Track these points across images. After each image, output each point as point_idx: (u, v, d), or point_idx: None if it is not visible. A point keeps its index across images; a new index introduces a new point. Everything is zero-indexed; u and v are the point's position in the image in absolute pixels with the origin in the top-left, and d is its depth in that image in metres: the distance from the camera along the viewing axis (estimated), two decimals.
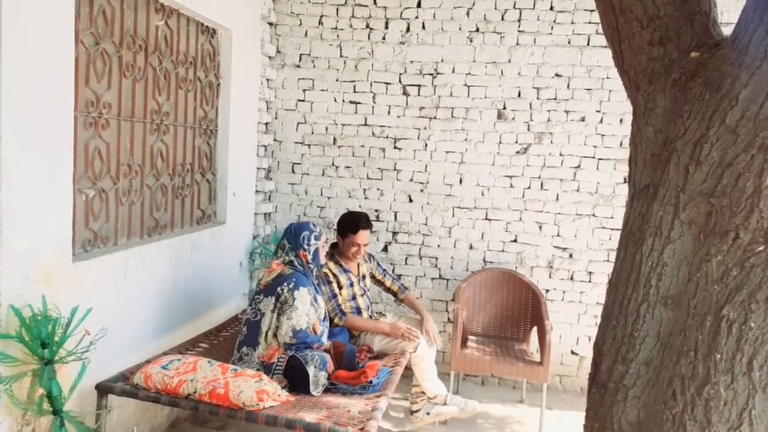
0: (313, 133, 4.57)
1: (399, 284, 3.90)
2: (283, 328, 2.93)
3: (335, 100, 4.52)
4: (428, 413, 3.57)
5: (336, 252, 3.68)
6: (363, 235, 3.58)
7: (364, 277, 3.75)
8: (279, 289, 2.98)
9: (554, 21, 4.20)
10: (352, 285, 3.63)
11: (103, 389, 2.67)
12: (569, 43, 4.20)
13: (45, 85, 2.33)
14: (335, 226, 4.44)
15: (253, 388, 2.58)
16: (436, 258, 4.49)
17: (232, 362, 2.95)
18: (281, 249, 3.17)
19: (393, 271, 4.51)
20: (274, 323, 2.96)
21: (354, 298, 3.63)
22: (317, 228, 3.21)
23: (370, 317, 3.71)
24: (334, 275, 3.56)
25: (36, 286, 2.35)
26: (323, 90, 4.52)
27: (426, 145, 4.43)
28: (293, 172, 4.63)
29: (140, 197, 3.18)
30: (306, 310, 2.98)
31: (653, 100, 1.65)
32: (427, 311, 3.76)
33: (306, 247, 3.13)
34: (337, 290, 3.54)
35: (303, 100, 4.56)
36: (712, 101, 1.48)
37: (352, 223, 3.59)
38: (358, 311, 3.61)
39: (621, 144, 4.19)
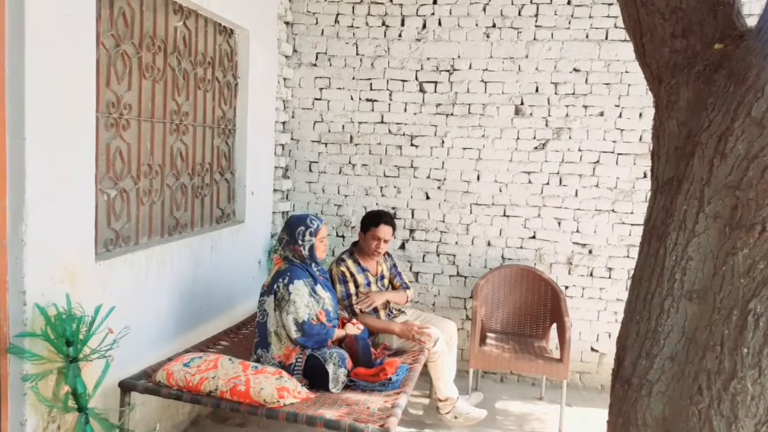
0: (329, 131, 4.58)
1: (404, 286, 3.84)
2: (287, 324, 2.92)
3: (352, 98, 4.52)
4: (456, 417, 3.57)
5: (356, 250, 3.69)
6: (384, 230, 3.58)
7: (382, 276, 3.75)
8: (275, 286, 2.98)
9: (572, 15, 4.16)
10: (369, 284, 3.63)
11: (126, 387, 2.71)
12: (587, 37, 4.16)
13: (67, 86, 2.36)
14: (352, 225, 4.49)
15: (274, 385, 2.60)
16: (454, 255, 4.48)
17: None
18: (279, 243, 3.14)
19: (410, 269, 4.51)
20: (279, 321, 2.97)
21: None
22: (315, 223, 3.10)
23: (389, 315, 3.71)
24: (352, 274, 3.57)
25: (60, 285, 2.38)
26: (340, 88, 4.53)
27: (443, 141, 4.42)
28: (310, 170, 4.64)
29: (161, 197, 3.21)
30: (305, 302, 2.96)
31: (676, 92, 1.63)
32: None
33: (300, 242, 3.06)
34: (353, 290, 3.55)
35: (320, 99, 4.57)
36: (737, 93, 1.46)
37: (374, 217, 3.63)
38: (375, 310, 3.61)
39: (641, 138, 4.15)
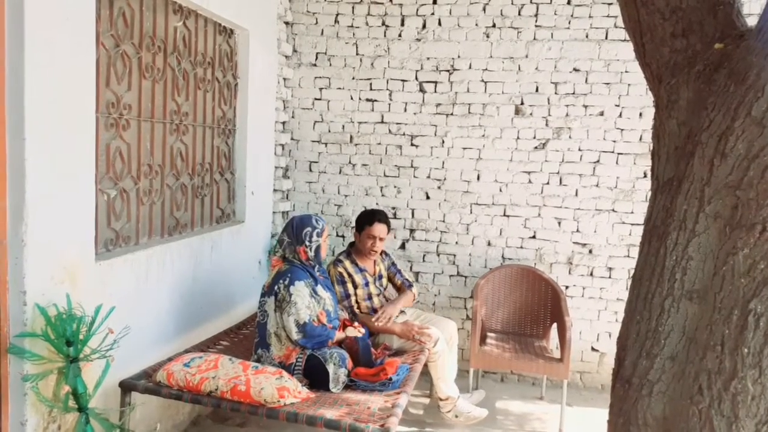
0: (329, 131, 4.58)
1: (406, 284, 3.83)
2: (288, 326, 2.92)
3: (352, 98, 4.52)
4: (457, 416, 3.57)
5: (353, 250, 3.69)
6: (379, 228, 3.59)
7: (380, 276, 3.75)
8: (276, 287, 2.98)
9: (571, 15, 4.16)
10: (367, 284, 3.63)
11: (126, 387, 2.71)
12: (587, 37, 4.16)
13: (67, 87, 2.36)
14: (352, 225, 4.48)
15: (274, 385, 2.60)
16: (454, 255, 4.47)
17: None
18: (279, 244, 3.14)
19: (411, 268, 4.51)
20: (279, 322, 2.97)
21: (370, 297, 3.64)
22: (320, 223, 3.13)
23: None
24: (349, 275, 3.57)
25: (60, 286, 2.38)
26: (340, 88, 4.53)
27: (443, 141, 4.41)
28: (310, 170, 4.64)
29: (161, 197, 3.21)
30: (306, 303, 2.96)
31: (676, 92, 1.62)
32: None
33: (308, 243, 3.07)
34: (351, 290, 3.55)
35: (320, 99, 4.57)
36: (738, 93, 1.46)
37: (369, 216, 3.65)
38: (374, 311, 3.61)
39: (641, 138, 4.15)
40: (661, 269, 1.58)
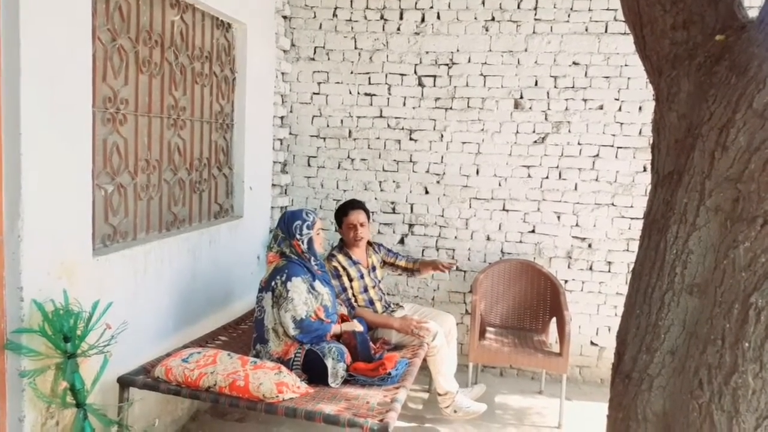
0: (328, 126, 4.56)
1: (412, 260, 3.89)
2: (285, 322, 2.91)
3: (350, 93, 4.50)
4: (455, 411, 3.56)
5: (344, 244, 3.71)
6: (355, 215, 3.64)
7: (374, 268, 3.76)
8: (273, 283, 2.97)
9: (571, 8, 4.14)
10: (362, 277, 3.64)
11: (124, 382, 2.70)
12: (587, 30, 4.14)
13: (63, 81, 2.35)
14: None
15: (273, 380, 2.59)
16: (453, 250, 4.47)
17: None
18: (274, 239, 3.13)
19: None
20: (277, 318, 2.96)
21: (366, 290, 3.64)
22: (311, 216, 3.13)
23: (386, 307, 3.71)
24: (344, 268, 3.59)
25: (57, 281, 2.37)
26: (338, 82, 4.51)
27: (442, 136, 4.40)
28: (309, 165, 4.63)
29: (158, 192, 3.19)
30: (303, 299, 2.95)
31: (677, 85, 1.61)
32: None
33: (299, 236, 3.07)
34: (347, 283, 3.56)
35: (318, 93, 4.55)
36: (739, 85, 1.45)
37: (343, 208, 3.72)
38: (371, 303, 3.62)
39: (640, 132, 4.14)
40: (661, 263, 1.58)
